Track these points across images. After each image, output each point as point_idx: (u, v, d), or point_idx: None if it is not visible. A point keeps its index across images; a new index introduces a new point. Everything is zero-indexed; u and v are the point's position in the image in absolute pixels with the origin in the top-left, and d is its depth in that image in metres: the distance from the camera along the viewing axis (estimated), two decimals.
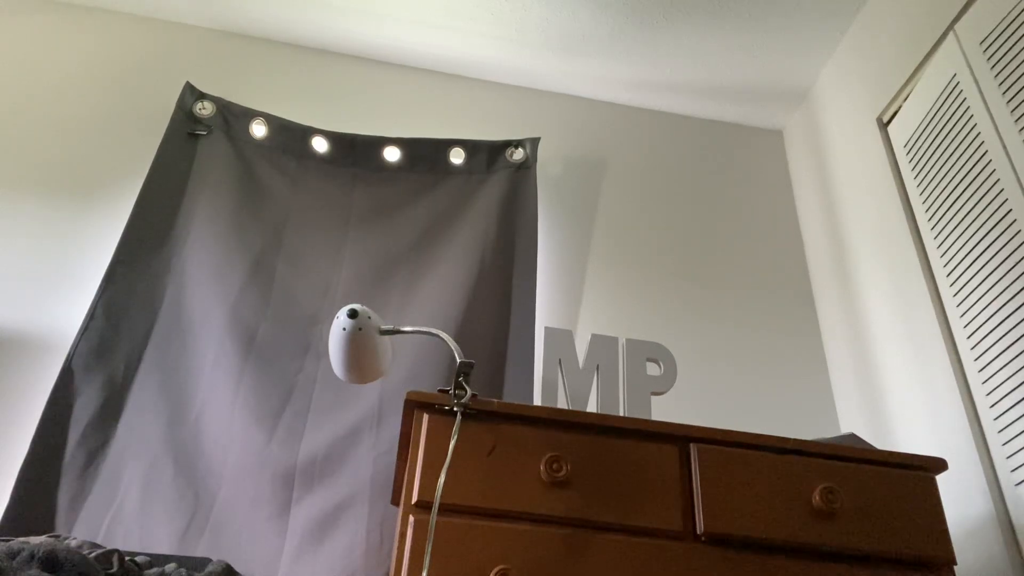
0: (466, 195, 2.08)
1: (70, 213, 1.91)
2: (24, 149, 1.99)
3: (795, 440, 1.25)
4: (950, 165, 1.68)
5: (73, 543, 1.15)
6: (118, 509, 1.51)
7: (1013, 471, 1.40)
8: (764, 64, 2.30)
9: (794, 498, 1.19)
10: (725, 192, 2.35)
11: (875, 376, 1.86)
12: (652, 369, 1.55)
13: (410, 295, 1.88)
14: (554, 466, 1.15)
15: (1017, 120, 1.49)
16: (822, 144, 2.27)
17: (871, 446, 1.30)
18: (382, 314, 1.82)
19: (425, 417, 1.18)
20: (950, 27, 1.73)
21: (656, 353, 1.56)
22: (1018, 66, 1.51)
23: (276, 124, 2.07)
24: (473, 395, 1.17)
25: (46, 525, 1.46)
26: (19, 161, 1.96)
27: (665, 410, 1.85)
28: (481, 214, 2.03)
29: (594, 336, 1.56)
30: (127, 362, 1.68)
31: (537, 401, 1.74)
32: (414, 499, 1.11)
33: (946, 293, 1.66)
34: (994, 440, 1.45)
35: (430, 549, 1.04)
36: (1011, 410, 1.42)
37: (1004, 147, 1.53)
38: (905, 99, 1.89)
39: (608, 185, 2.29)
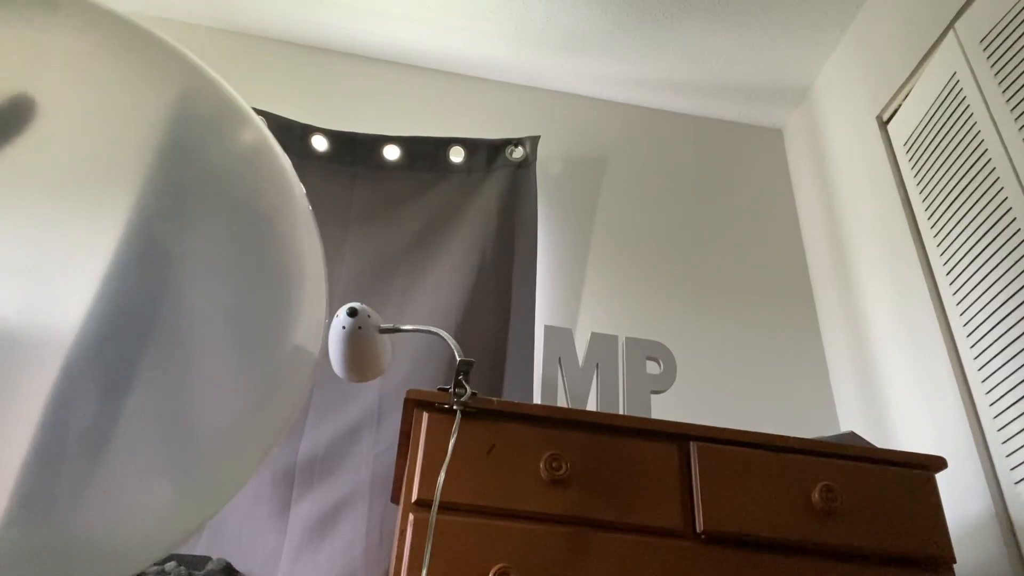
0: (466, 193, 2.08)
1: None
2: None
3: (795, 439, 1.25)
4: (950, 164, 1.68)
5: None
6: None
7: (1013, 469, 1.40)
8: (764, 62, 2.30)
9: (794, 496, 1.19)
10: (725, 190, 2.35)
11: (875, 375, 1.86)
12: (652, 367, 1.55)
13: (410, 293, 1.88)
14: (554, 464, 1.15)
15: (1017, 119, 1.49)
16: (822, 143, 2.27)
17: (871, 444, 1.30)
18: (382, 312, 1.82)
19: (425, 415, 1.18)
20: (950, 26, 1.73)
21: (656, 351, 1.56)
22: (1018, 65, 1.50)
23: (275, 122, 2.07)
24: (473, 393, 1.17)
25: None
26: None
27: (665, 408, 1.85)
28: (481, 212, 2.03)
29: (594, 334, 1.56)
30: None
31: (537, 399, 1.74)
32: (414, 497, 1.11)
33: (946, 291, 1.66)
34: (994, 439, 1.45)
35: (430, 547, 1.04)
36: (1011, 408, 1.42)
37: (1004, 146, 1.52)
38: (905, 98, 1.89)
39: (608, 183, 2.29)
